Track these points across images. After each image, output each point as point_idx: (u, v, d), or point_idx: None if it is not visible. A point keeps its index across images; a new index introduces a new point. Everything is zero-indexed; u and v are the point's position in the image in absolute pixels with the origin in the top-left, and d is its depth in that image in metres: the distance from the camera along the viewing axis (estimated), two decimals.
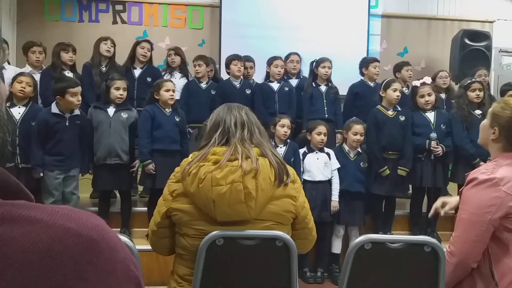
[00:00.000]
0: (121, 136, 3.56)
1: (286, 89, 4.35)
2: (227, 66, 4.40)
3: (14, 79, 3.41)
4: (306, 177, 3.54)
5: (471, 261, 1.61)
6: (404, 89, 4.53)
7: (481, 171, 1.63)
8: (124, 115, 3.61)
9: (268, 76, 4.44)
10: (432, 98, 3.82)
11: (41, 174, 3.34)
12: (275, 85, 4.33)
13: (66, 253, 0.47)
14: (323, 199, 3.52)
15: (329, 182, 3.58)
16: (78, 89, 3.37)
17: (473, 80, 4.02)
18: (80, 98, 3.38)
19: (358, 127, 3.61)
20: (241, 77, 4.39)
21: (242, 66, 4.33)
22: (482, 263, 1.61)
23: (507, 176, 1.57)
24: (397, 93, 3.77)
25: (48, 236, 0.47)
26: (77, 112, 3.46)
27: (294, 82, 4.58)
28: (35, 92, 3.54)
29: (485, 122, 1.74)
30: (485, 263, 1.61)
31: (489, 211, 1.55)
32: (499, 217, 1.55)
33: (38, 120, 3.35)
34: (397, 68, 4.85)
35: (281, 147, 3.55)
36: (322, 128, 3.57)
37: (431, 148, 3.69)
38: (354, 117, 3.83)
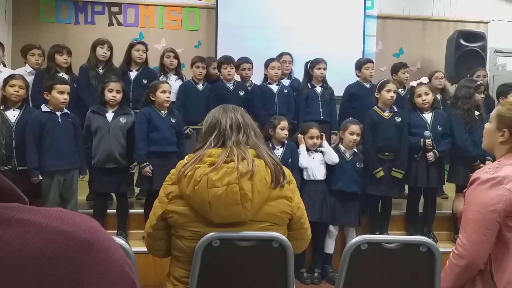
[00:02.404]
0: (119, 142, 3.56)
1: (285, 91, 4.34)
2: (218, 69, 4.40)
3: (6, 82, 3.37)
4: (303, 177, 3.54)
5: (480, 262, 1.59)
6: (400, 90, 4.53)
7: (485, 171, 1.62)
8: (122, 120, 3.61)
9: (266, 78, 4.42)
10: (429, 97, 3.80)
11: (39, 177, 3.30)
12: (274, 87, 4.32)
13: (60, 255, 0.47)
14: (322, 199, 3.52)
15: (326, 181, 3.59)
16: (65, 87, 3.37)
17: (480, 82, 4.01)
18: (66, 97, 3.37)
19: (355, 127, 3.62)
20: (234, 79, 4.37)
21: (232, 69, 4.30)
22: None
23: (510, 175, 1.57)
24: (391, 94, 3.77)
25: (42, 238, 0.47)
26: (67, 111, 3.46)
27: (285, 82, 4.55)
28: (27, 93, 3.52)
29: (489, 126, 1.72)
30: (486, 264, 1.60)
31: (495, 209, 1.54)
32: (504, 216, 1.55)
33: (30, 122, 3.31)
34: (394, 69, 4.80)
35: (278, 149, 3.55)
36: (314, 132, 3.58)
37: (426, 146, 3.69)
38: (350, 117, 3.83)
